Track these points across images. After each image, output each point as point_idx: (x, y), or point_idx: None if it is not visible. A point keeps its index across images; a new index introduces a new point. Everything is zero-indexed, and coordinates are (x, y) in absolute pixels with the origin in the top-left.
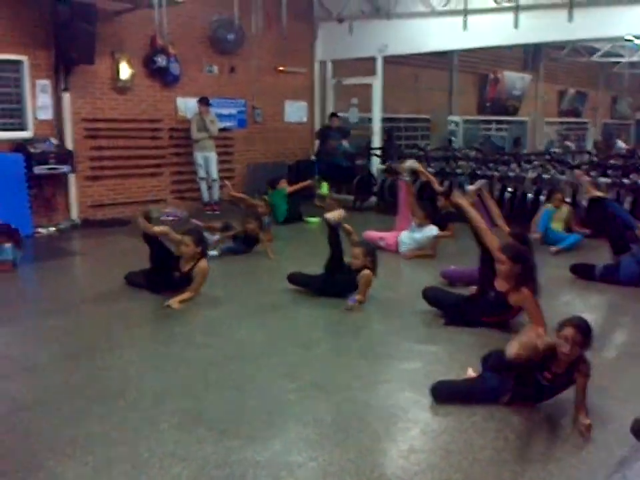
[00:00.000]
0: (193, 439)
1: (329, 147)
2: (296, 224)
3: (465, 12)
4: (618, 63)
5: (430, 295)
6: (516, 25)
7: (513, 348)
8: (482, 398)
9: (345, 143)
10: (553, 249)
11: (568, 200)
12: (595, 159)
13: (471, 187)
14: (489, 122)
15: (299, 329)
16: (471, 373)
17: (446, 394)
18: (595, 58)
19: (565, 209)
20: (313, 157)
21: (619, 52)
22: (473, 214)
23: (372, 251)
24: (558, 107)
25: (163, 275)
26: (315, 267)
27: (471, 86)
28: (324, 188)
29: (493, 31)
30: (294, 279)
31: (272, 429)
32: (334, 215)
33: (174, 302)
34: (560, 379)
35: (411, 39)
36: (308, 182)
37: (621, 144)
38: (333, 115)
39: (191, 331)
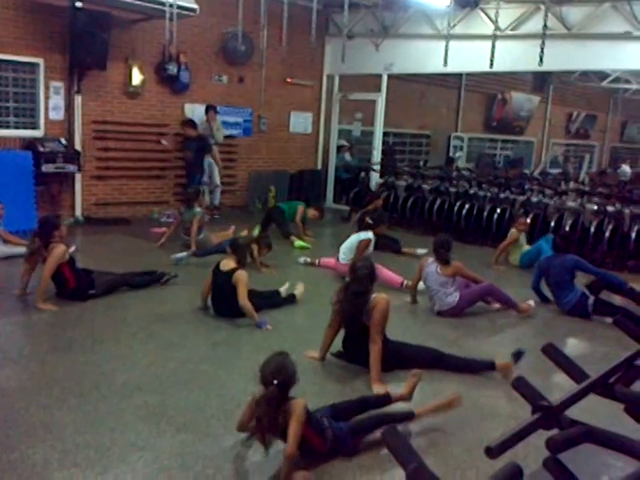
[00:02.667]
0: (153, 431)
1: (186, 158)
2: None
3: (447, 38)
4: (628, 89)
5: None
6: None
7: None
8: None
9: (347, 156)
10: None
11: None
12: (585, 187)
13: None
14: (495, 141)
15: (272, 335)
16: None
17: None
18: (605, 83)
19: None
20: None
21: (628, 78)
22: None
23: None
24: (566, 129)
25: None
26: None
27: (478, 105)
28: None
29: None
30: None
31: (227, 427)
32: None
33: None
34: None
35: (417, 59)
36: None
37: (625, 168)
38: (186, 122)
39: (169, 332)
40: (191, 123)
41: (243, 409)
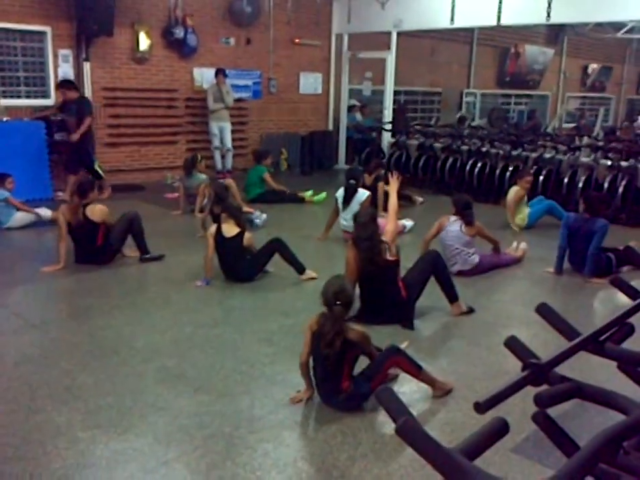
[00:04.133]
0: (172, 392)
1: (66, 125)
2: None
3: None
4: None
5: None
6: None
7: None
8: None
9: (358, 116)
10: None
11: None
12: (599, 142)
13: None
14: (509, 96)
15: (285, 298)
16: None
17: None
18: (621, 34)
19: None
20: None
21: None
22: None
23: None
24: (581, 81)
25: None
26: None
27: (491, 59)
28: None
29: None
30: None
31: (242, 387)
32: None
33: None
34: None
35: (425, 15)
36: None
37: None
38: (63, 84)
39: (185, 297)
40: (68, 84)
41: (304, 340)
